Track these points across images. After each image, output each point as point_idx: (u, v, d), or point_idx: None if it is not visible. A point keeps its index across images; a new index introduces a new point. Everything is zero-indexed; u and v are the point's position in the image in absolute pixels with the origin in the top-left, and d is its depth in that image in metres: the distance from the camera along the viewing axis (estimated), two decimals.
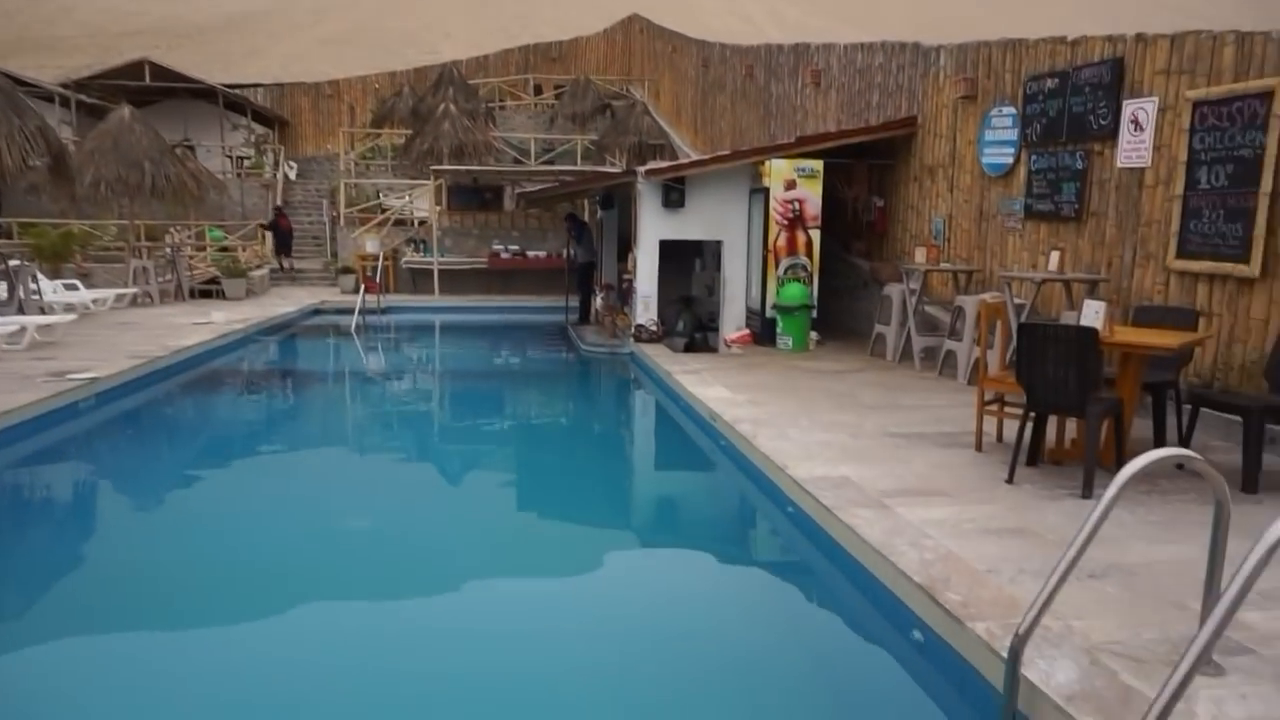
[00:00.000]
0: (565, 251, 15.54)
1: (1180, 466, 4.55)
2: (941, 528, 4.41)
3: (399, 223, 19.68)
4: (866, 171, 12.11)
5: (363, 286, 15.55)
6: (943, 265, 9.60)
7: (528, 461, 7.52)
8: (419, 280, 18.27)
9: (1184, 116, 6.85)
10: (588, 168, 19.39)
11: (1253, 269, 6.21)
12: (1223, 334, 6.54)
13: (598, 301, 13.74)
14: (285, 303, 15.72)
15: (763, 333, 10.64)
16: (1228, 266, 6.41)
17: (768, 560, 5.42)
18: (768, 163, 10.57)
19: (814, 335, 10.52)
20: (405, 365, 12.50)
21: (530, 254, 18.58)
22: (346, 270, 18.07)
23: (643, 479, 7.27)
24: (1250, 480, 5.02)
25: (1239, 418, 5.28)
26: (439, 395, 10.66)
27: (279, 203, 21.43)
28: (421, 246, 18.70)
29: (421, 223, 19.60)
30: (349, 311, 14.80)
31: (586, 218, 16.31)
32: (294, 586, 4.48)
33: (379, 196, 21.30)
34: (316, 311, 15.86)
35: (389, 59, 31.22)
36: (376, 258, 17.00)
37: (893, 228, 11.57)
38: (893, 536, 4.27)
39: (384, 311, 15.86)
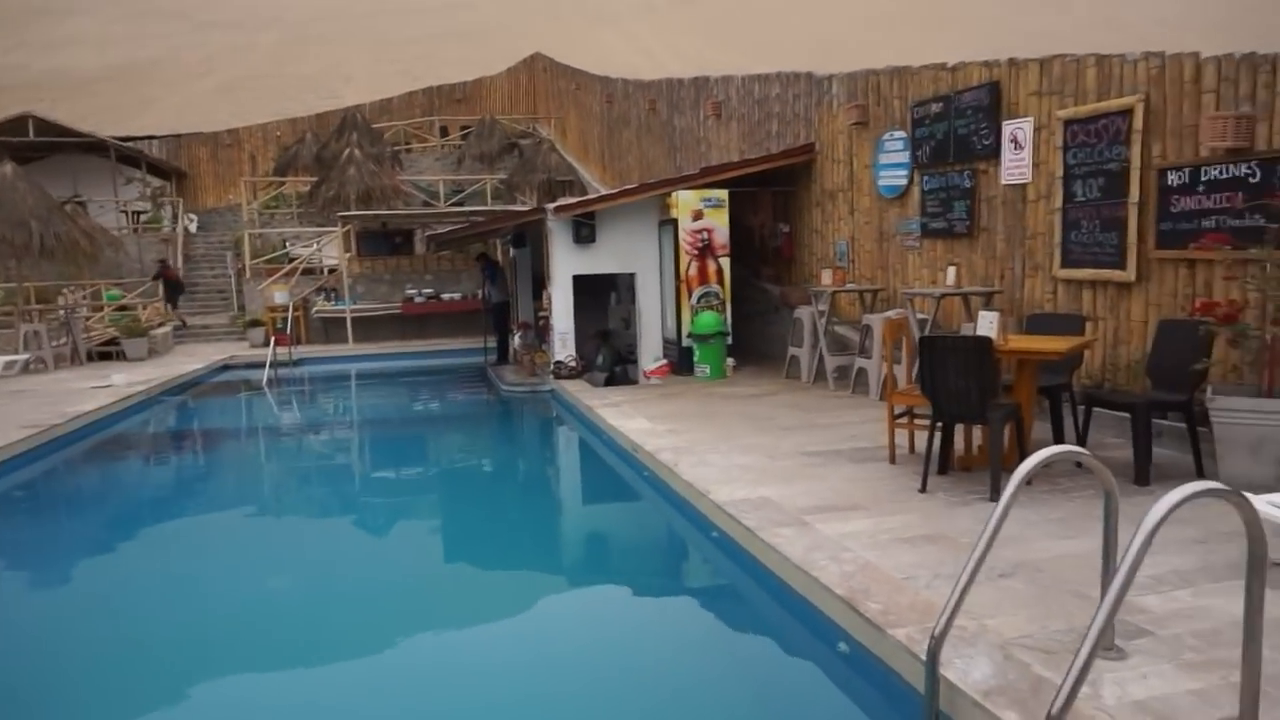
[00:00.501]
0: (480, 292, 15.47)
1: (1079, 465, 4.78)
2: (860, 540, 4.54)
3: (308, 272, 19.29)
4: (771, 199, 12.46)
5: (273, 339, 15.15)
6: (848, 286, 9.92)
7: (452, 508, 7.42)
8: (332, 329, 17.90)
9: (1057, 135, 7.29)
10: (498, 207, 19.40)
11: (1129, 274, 6.62)
12: (1108, 336, 6.94)
13: (515, 341, 13.70)
14: (191, 360, 15.19)
15: (681, 362, 10.78)
16: (1107, 273, 6.83)
17: (696, 586, 5.47)
18: (675, 195, 10.78)
19: (731, 361, 10.71)
20: (322, 418, 12.20)
21: (445, 297, 18.43)
22: (255, 323, 17.59)
23: (569, 516, 7.26)
24: (1142, 473, 5.32)
25: (1128, 414, 5.60)
26: (358, 447, 10.44)
27: (166, 256, 20.77)
28: (332, 295, 18.36)
29: (331, 271, 19.26)
30: (260, 366, 14.38)
31: (500, 257, 16.29)
32: (219, 658, 4.31)
33: (285, 246, 20.85)
34: (225, 368, 15.36)
35: (289, 105, 30.70)
36: (286, 309, 16.59)
37: (799, 252, 11.90)
38: (813, 552, 4.37)
39: (296, 364, 15.48)
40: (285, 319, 16.25)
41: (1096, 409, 6.14)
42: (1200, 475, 5.29)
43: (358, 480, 8.62)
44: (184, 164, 26.67)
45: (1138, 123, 6.54)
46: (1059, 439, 5.96)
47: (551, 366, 11.24)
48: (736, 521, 4.94)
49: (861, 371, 9.01)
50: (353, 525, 6.98)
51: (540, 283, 12.63)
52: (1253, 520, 2.53)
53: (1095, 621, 2.37)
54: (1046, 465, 5.62)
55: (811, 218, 11.51)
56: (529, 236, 14.10)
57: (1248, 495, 3.78)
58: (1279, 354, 4.95)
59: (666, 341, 11.12)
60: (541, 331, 12.56)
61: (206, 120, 28.83)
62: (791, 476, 5.87)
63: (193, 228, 23.64)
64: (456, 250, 18.85)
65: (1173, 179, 6.28)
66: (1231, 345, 5.30)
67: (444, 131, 28.48)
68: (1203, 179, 6.03)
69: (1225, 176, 5.88)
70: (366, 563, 5.86)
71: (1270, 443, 4.80)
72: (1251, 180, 5.71)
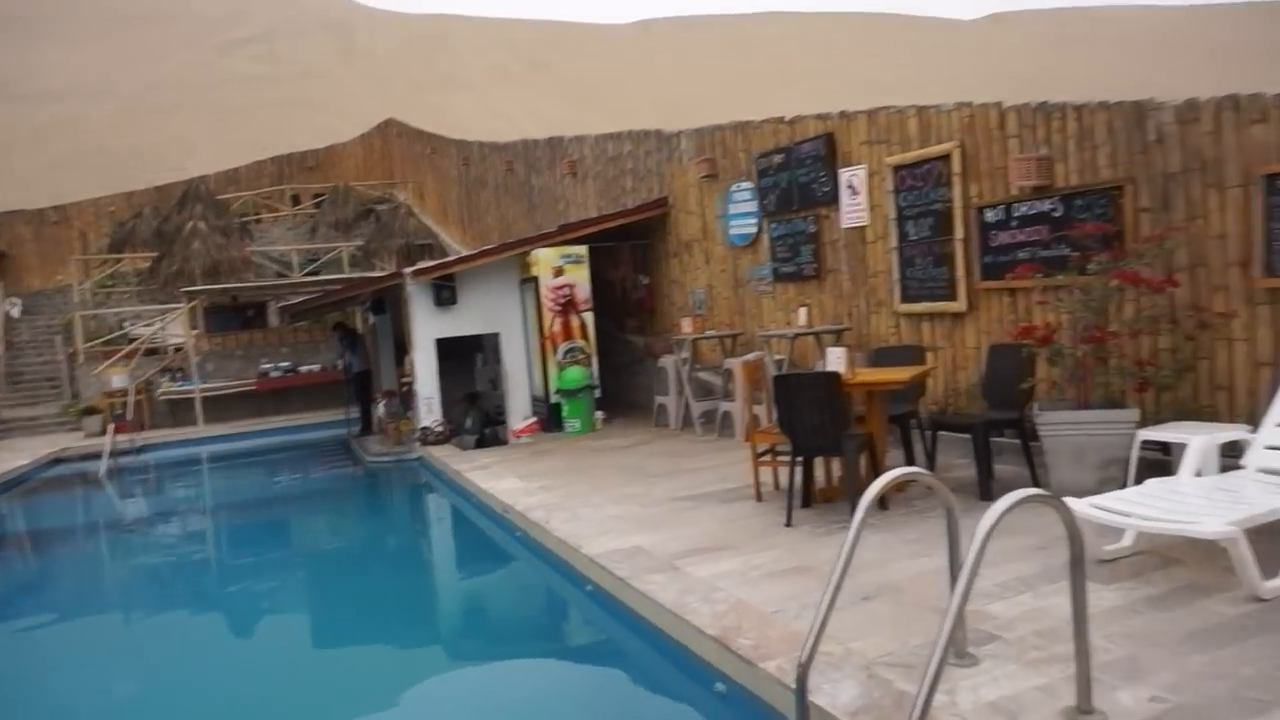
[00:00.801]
0: (339, 363, 14.97)
1: (930, 488, 5.01)
2: (731, 579, 4.60)
3: (151, 352, 18.13)
4: (630, 252, 12.71)
5: (110, 427, 14.12)
6: (708, 333, 10.19)
7: (318, 591, 7.04)
8: (180, 411, 16.85)
9: (888, 179, 7.81)
10: (356, 275, 18.93)
11: (961, 305, 7.11)
12: (948, 364, 7.39)
13: (379, 410, 13.29)
14: (17, 455, 13.93)
15: (550, 419, 10.72)
16: (941, 305, 7.30)
17: (575, 643, 5.38)
18: (534, 253, 10.84)
19: (600, 414, 10.74)
20: (168, 507, 11.38)
21: (303, 369, 17.71)
22: (90, 411, 16.33)
23: (443, 586, 7.02)
24: (985, 488, 5.65)
25: (969, 435, 5.95)
26: (211, 535, 9.78)
27: None
28: (178, 375, 17.33)
29: (177, 349, 18.20)
30: (97, 456, 13.35)
31: (359, 325, 15.84)
32: None
33: (124, 326, 19.57)
34: (57, 461, 14.15)
35: (124, 179, 29.13)
36: (125, 393, 15.52)
37: (660, 302, 12.16)
38: (686, 595, 4.39)
39: (139, 451, 14.45)
40: (125, 404, 15.19)
41: (943, 432, 6.51)
42: (1036, 485, 5.66)
43: (212, 572, 8.07)
44: (4, 244, 24.77)
45: (956, 166, 7.09)
46: (910, 463, 6.26)
47: (417, 433, 10.96)
48: (609, 573, 4.92)
49: (726, 415, 9.22)
50: (213, 624, 6.49)
51: (402, 349, 12.35)
52: (1070, 521, 2.73)
53: (942, 632, 2.47)
54: (901, 490, 5.89)
55: (670, 268, 11.80)
56: (388, 302, 13.81)
57: (1070, 499, 4.08)
58: (1090, 369, 5.41)
59: (535, 399, 11.05)
60: (406, 398, 12.24)
61: (29, 198, 26.97)
62: (663, 523, 5.90)
63: (15, 312, 21.88)
64: (313, 320, 18.21)
65: (990, 216, 6.82)
66: (1050, 364, 5.75)
67: (296, 200, 27.68)
68: (1015, 215, 6.59)
69: (1033, 212, 6.44)
70: (232, 662, 5.46)
71: (1090, 451, 5.20)
72: (1055, 214, 6.28)
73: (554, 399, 10.71)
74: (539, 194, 16.70)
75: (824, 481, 6.20)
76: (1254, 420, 4.80)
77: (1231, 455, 4.74)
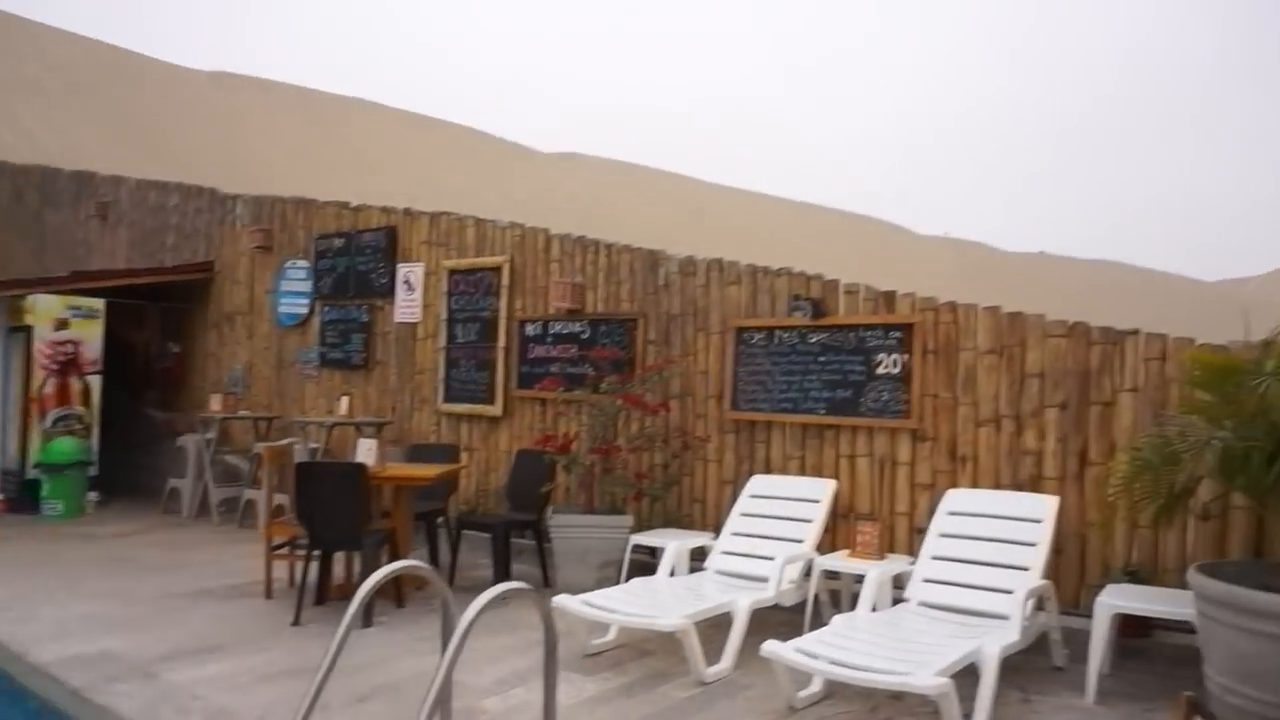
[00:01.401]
0: None
1: (429, 581, 5.07)
2: (217, 685, 4.17)
3: None
4: (161, 315, 11.36)
5: None
6: (241, 413, 9.43)
7: None
8: None
9: (443, 281, 8.10)
10: None
11: (497, 409, 7.53)
12: (482, 464, 7.71)
13: None
14: None
15: (23, 498, 8.91)
16: (480, 408, 7.66)
17: None
18: (32, 298, 9.18)
19: (93, 496, 9.21)
20: None
21: None
22: None
23: None
24: None
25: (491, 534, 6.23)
26: None
27: None
28: None
29: None
30: None
31: None
32: None
33: None
34: None
35: None
36: None
37: (191, 376, 10.98)
38: (158, 705, 3.88)
39: None
40: None
41: (470, 531, 6.71)
42: (547, 584, 6.08)
43: None
44: None
45: (505, 279, 7.62)
46: (434, 562, 6.34)
47: None
48: (61, 684, 4.15)
49: (251, 503, 8.50)
50: None
51: None
52: (546, 614, 2.98)
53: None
54: (421, 588, 5.90)
55: (207, 340, 10.77)
56: None
57: (564, 597, 4.46)
58: (597, 478, 6.05)
59: (6, 473, 9.13)
60: None
61: None
62: (147, 623, 5.18)
63: None
64: None
65: (530, 330, 7.41)
66: (566, 471, 6.31)
67: None
68: (550, 331, 7.24)
69: (566, 331, 7.15)
70: None
71: (592, 552, 5.76)
72: (583, 336, 7.03)
73: (32, 474, 8.96)
74: (54, 232, 14.26)
75: (343, 578, 5.98)
76: (719, 529, 5.74)
77: (700, 558, 5.58)
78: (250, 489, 8.56)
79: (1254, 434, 3.59)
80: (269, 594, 5.82)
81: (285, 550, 5.93)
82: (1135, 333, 5.01)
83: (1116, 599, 4.31)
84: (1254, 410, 3.59)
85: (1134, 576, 4.75)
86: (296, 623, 5.18)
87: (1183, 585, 4.00)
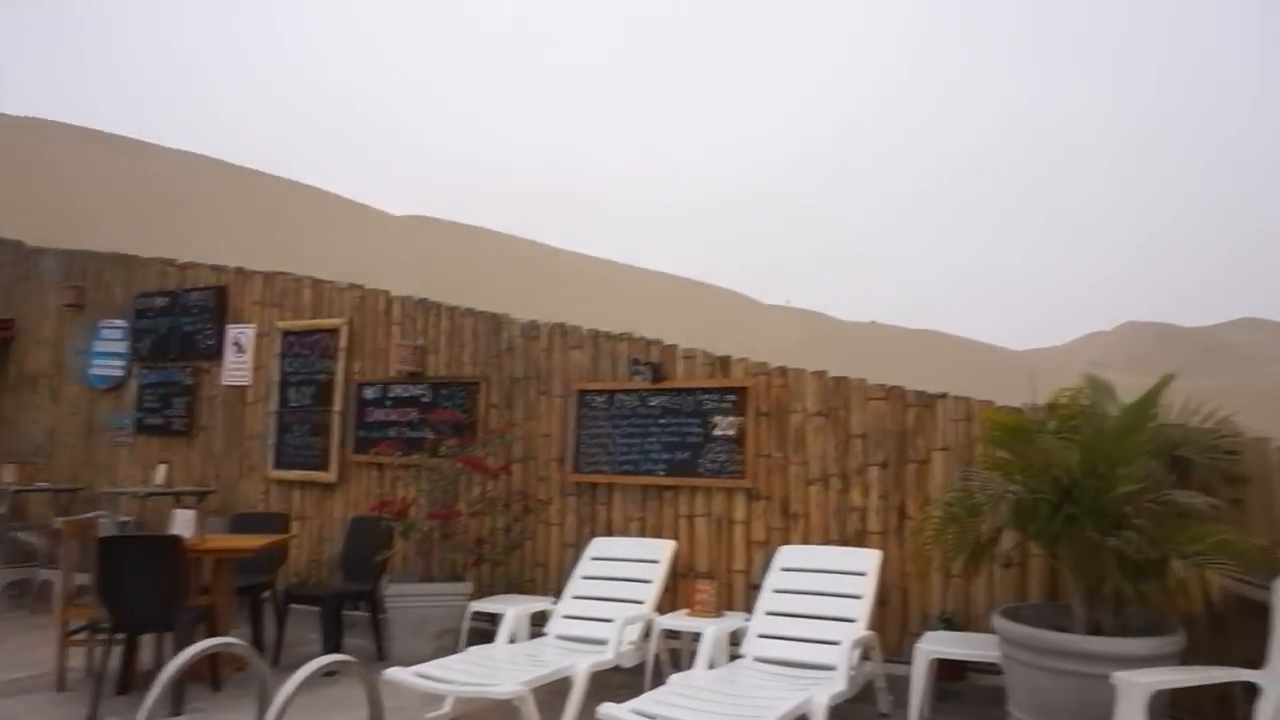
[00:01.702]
0: None
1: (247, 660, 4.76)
2: None
3: None
4: None
5: None
6: (40, 485, 8.58)
7: None
8: None
9: (277, 343, 7.77)
10: None
11: (332, 475, 7.23)
12: (314, 533, 7.34)
13: None
14: None
15: None
16: (314, 474, 7.33)
17: None
18: None
19: None
20: None
21: None
22: None
23: None
24: None
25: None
26: None
27: None
28: None
29: None
30: None
31: None
32: None
33: None
34: None
35: None
36: None
37: None
38: None
39: None
40: None
41: (300, 605, 6.32)
42: (382, 657, 5.80)
43: None
44: None
45: (343, 341, 7.40)
46: (258, 638, 5.93)
47: None
48: None
49: (47, 584, 7.68)
50: None
51: None
52: (370, 686, 2.87)
53: None
54: (241, 669, 5.51)
55: (3, 404, 9.80)
56: None
57: (396, 669, 4.29)
58: (435, 544, 5.88)
59: None
60: None
61: None
62: None
63: None
64: None
65: (368, 393, 7.20)
66: (403, 537, 6.10)
67: None
68: (390, 395, 7.06)
69: (406, 394, 6.99)
70: None
71: (430, 621, 5.56)
72: (424, 399, 6.90)
73: None
74: None
75: (152, 663, 5.48)
76: (560, 593, 5.68)
77: (543, 623, 5.49)
78: (47, 569, 7.75)
79: (1041, 487, 3.95)
80: (61, 686, 5.25)
81: (83, 635, 5.39)
82: (944, 396, 5.43)
83: (933, 645, 4.58)
84: (1041, 465, 3.95)
85: (949, 623, 5.06)
86: (93, 717, 4.70)
87: (992, 629, 4.30)
